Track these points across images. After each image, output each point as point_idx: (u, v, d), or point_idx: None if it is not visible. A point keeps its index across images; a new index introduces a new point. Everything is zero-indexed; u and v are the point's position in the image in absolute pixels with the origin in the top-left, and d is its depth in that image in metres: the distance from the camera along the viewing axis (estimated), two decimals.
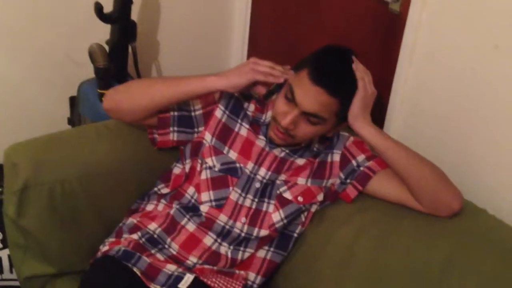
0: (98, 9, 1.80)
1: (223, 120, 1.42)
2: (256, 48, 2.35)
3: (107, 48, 1.92)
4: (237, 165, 1.39)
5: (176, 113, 1.41)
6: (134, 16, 1.98)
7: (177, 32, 2.27)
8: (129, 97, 1.40)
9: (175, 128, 1.42)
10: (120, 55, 1.97)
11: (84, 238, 1.44)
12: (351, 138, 1.43)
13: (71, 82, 2.03)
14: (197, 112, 1.42)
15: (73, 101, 2.09)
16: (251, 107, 1.45)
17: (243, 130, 1.42)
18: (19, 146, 1.43)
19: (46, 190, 1.36)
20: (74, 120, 2.10)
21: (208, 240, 1.37)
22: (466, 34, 1.38)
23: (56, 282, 1.43)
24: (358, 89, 1.29)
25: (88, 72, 1.93)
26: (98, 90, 1.88)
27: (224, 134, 1.41)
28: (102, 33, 1.94)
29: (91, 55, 1.86)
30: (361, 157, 1.38)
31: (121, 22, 1.89)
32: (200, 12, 2.30)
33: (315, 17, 1.95)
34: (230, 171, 1.39)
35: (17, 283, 1.75)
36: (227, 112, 1.42)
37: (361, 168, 1.37)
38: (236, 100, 1.44)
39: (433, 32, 1.47)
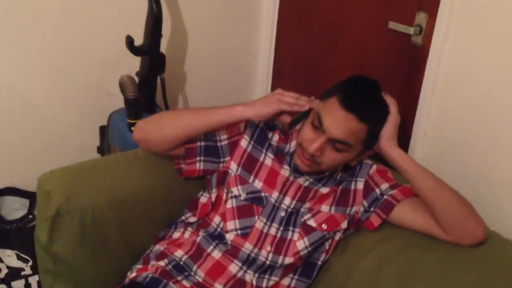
0: (129, 42, 1.85)
1: (248, 150, 1.44)
2: (280, 80, 2.38)
3: (137, 79, 1.96)
4: (262, 194, 1.41)
5: (202, 143, 1.44)
6: (163, 48, 2.03)
7: (203, 64, 2.32)
8: (159, 128, 1.43)
9: (202, 158, 1.44)
10: (149, 86, 2.01)
11: (112, 264, 1.46)
12: (374, 166, 1.44)
13: (102, 112, 2.08)
14: (223, 142, 1.45)
15: (103, 130, 2.13)
16: (275, 137, 1.47)
17: (268, 159, 1.44)
18: (52, 174, 1.46)
19: (77, 217, 1.39)
20: (103, 149, 2.13)
21: (234, 267, 1.38)
22: (488, 65, 1.39)
23: None
24: (391, 113, 1.33)
25: (118, 102, 1.99)
26: (128, 120, 1.91)
27: (250, 164, 1.43)
28: (132, 65, 2.00)
29: (122, 86, 1.90)
30: (384, 186, 1.39)
31: (150, 54, 1.93)
32: (226, 45, 2.34)
33: (338, 50, 1.98)
34: (255, 200, 1.41)
35: None
36: (252, 142, 1.45)
37: (385, 197, 1.37)
38: (260, 131, 1.47)
39: (455, 63, 1.48)
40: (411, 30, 1.60)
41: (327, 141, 1.29)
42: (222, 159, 1.46)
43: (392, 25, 1.67)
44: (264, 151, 1.45)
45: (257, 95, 2.47)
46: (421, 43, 1.59)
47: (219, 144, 1.46)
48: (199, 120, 1.39)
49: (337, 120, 1.27)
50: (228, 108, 1.37)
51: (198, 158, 1.45)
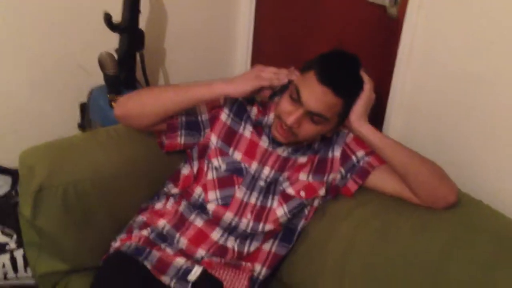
0: (107, 19, 1.84)
1: (228, 123, 1.47)
2: (259, 54, 2.39)
3: (116, 56, 1.96)
4: (242, 165, 1.44)
5: (184, 118, 1.45)
6: (142, 25, 2.02)
7: (183, 40, 2.31)
8: (140, 104, 1.44)
9: (183, 132, 1.46)
10: (128, 63, 2.01)
11: (96, 236, 1.48)
12: (351, 135, 1.46)
13: (82, 89, 2.08)
14: (204, 117, 1.47)
15: (83, 107, 2.13)
16: (253, 110, 1.49)
17: (247, 132, 1.46)
18: (34, 150, 1.47)
19: (60, 191, 1.40)
20: (84, 126, 2.13)
21: (215, 234, 1.42)
22: (461, 35, 1.42)
23: (70, 279, 1.46)
24: (364, 90, 1.34)
25: (98, 79, 1.98)
26: (108, 96, 1.92)
27: (229, 136, 1.46)
28: (111, 41, 1.99)
29: (101, 63, 1.90)
30: (360, 153, 1.42)
31: (129, 31, 1.93)
32: (205, 21, 2.34)
33: (316, 22, 1.99)
34: (235, 171, 1.43)
35: (31, 281, 1.81)
36: (231, 115, 1.47)
37: (361, 163, 1.41)
38: (239, 104, 1.48)
39: (430, 34, 1.51)
40: (386, 2, 1.61)
41: (304, 114, 1.31)
42: (202, 133, 1.48)
43: None
44: (243, 123, 1.47)
45: (237, 69, 2.47)
46: (397, 14, 1.60)
47: (199, 118, 1.47)
48: (179, 96, 1.40)
49: (315, 93, 1.28)
50: (208, 84, 1.38)
51: (179, 133, 1.46)
